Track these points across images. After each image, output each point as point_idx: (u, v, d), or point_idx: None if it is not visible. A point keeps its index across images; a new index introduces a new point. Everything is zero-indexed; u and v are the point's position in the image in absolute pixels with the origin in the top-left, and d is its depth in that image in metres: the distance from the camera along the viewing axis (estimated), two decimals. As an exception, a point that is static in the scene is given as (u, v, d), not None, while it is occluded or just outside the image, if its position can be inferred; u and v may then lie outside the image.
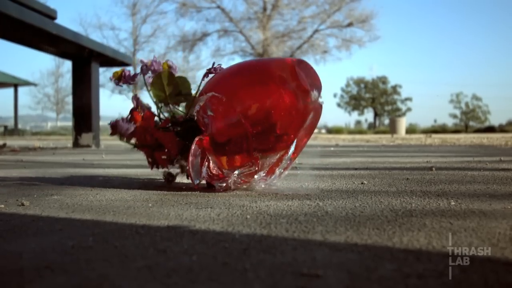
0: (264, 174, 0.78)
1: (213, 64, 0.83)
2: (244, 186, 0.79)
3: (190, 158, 0.72)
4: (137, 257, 0.38)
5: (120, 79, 0.86)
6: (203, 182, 0.79)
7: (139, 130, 0.82)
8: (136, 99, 0.86)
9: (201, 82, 0.84)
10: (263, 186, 0.79)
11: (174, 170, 0.87)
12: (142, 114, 0.84)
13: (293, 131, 0.74)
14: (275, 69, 0.73)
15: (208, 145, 0.73)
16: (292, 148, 0.78)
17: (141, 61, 0.86)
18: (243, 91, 0.74)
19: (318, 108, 0.77)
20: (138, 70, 0.87)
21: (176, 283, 0.32)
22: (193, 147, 0.72)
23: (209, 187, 0.80)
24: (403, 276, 0.33)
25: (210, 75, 0.82)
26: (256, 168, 0.75)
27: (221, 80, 0.78)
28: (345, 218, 0.54)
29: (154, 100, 0.85)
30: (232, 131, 0.73)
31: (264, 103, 0.72)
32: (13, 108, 13.11)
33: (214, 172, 0.76)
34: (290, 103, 0.71)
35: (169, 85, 0.83)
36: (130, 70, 0.88)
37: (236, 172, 0.74)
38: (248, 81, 0.75)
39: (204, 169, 0.74)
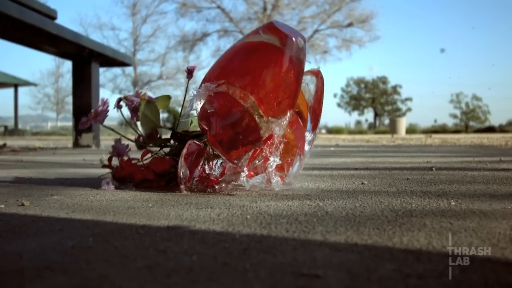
0: (278, 159, 0.76)
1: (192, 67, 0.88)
2: (257, 180, 0.75)
3: (180, 162, 0.72)
4: (137, 257, 0.38)
5: (95, 117, 0.86)
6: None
7: (128, 173, 0.84)
8: (115, 144, 0.87)
9: (186, 87, 0.86)
10: (281, 186, 0.76)
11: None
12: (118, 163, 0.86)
13: (293, 89, 0.73)
14: (261, 39, 0.74)
15: (213, 140, 0.72)
16: (309, 124, 0.79)
17: (125, 97, 0.87)
18: (241, 72, 0.74)
19: (317, 73, 0.80)
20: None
21: (176, 283, 0.32)
22: (184, 151, 0.72)
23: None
24: (403, 276, 0.33)
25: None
26: (265, 152, 0.74)
27: (218, 68, 0.77)
28: (345, 218, 0.54)
29: (141, 133, 0.86)
30: (236, 127, 0.72)
31: (262, 75, 0.72)
32: (13, 108, 13.12)
33: (208, 172, 0.76)
34: (284, 63, 0.71)
35: (152, 111, 0.85)
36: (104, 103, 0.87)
37: (246, 170, 0.74)
38: (244, 62, 0.75)
39: (196, 171, 0.74)
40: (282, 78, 0.70)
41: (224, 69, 0.74)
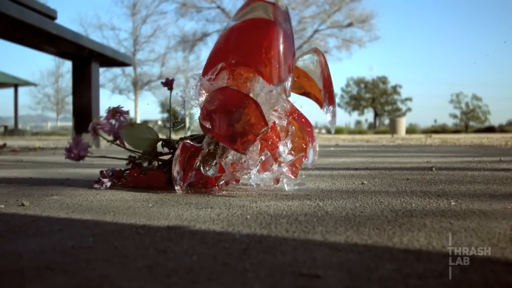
0: (289, 143, 0.75)
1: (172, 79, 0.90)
2: (266, 175, 0.74)
3: (174, 163, 0.72)
4: (137, 257, 0.38)
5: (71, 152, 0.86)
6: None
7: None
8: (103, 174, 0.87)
9: (170, 99, 0.87)
10: (292, 187, 0.76)
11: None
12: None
13: (287, 51, 0.73)
14: (251, 12, 0.74)
15: (218, 135, 0.72)
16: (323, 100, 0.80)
17: (97, 123, 0.87)
18: (238, 49, 0.74)
19: (316, 50, 0.81)
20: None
21: (176, 283, 0.32)
22: (178, 152, 0.72)
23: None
24: (403, 276, 0.33)
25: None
26: (271, 142, 0.73)
27: (216, 52, 0.77)
28: (345, 218, 0.54)
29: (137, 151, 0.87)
30: (240, 118, 0.72)
31: (258, 47, 0.72)
32: (13, 108, 13.14)
33: (203, 173, 0.76)
34: (275, 30, 0.71)
35: (143, 130, 0.85)
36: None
37: (255, 167, 0.73)
38: (239, 40, 0.75)
39: (192, 172, 0.74)
40: (277, 45, 0.71)
41: (221, 51, 0.75)
